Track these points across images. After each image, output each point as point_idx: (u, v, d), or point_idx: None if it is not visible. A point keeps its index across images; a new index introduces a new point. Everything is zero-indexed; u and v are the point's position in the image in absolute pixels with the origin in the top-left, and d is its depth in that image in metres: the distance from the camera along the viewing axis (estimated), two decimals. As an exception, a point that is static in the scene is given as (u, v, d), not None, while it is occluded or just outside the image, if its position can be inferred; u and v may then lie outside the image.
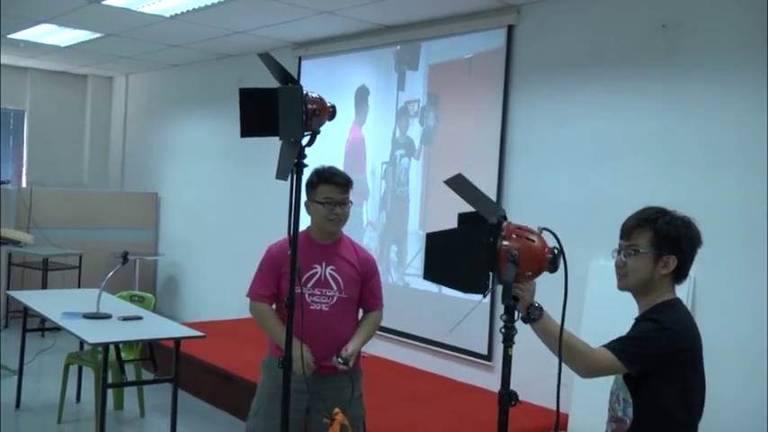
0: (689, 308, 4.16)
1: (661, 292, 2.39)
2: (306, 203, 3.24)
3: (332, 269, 3.22)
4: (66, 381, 5.13)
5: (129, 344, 4.90)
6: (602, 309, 4.26)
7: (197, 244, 8.63)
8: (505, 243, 1.98)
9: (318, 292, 3.20)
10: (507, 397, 2.09)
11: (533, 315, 2.20)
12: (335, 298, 3.21)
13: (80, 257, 7.95)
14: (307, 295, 3.18)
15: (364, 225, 6.39)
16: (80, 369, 5.57)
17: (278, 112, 2.85)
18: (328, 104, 2.96)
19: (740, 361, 4.01)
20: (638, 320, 2.38)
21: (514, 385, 5.26)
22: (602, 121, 4.72)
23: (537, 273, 2.07)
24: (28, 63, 9.34)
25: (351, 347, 3.16)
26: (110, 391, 4.46)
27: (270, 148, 7.96)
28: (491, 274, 1.99)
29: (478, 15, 5.42)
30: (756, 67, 3.99)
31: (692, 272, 4.15)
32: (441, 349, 5.56)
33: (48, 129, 9.93)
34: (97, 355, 5.06)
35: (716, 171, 4.19)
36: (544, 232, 2.09)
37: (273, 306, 3.33)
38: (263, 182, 7.58)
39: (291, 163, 2.87)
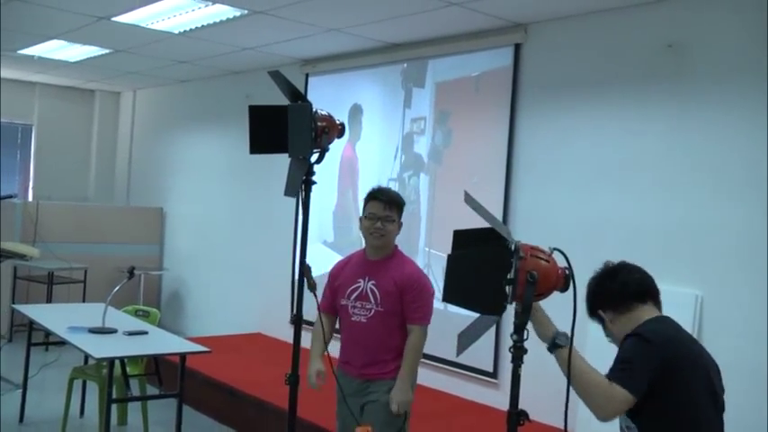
0: (696, 327, 4.19)
1: (639, 316, 2.42)
2: (360, 219, 3.52)
3: (372, 284, 3.43)
4: (70, 395, 5.11)
5: (134, 359, 4.89)
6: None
7: (202, 259, 8.63)
8: (523, 264, 1.99)
9: (359, 305, 3.45)
10: (516, 416, 2.07)
11: (560, 342, 2.19)
12: (373, 311, 3.41)
13: (85, 271, 7.96)
14: (349, 307, 3.47)
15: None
16: (84, 384, 5.56)
17: (287, 129, 2.88)
18: (337, 122, 2.98)
19: (749, 381, 3.99)
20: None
21: (521, 403, 5.24)
22: (608, 140, 4.73)
23: (548, 293, 2.08)
24: (36, 78, 9.40)
25: (396, 401, 3.33)
26: (114, 407, 4.45)
27: (277, 164, 7.99)
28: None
29: (486, 34, 5.44)
30: (760, 89, 4.00)
31: (699, 291, 4.21)
32: (446, 366, 5.54)
33: (55, 143, 9.97)
34: (102, 370, 5.05)
35: (720, 191, 4.19)
36: (554, 252, 2.10)
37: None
38: (269, 199, 7.61)
39: (300, 180, 2.90)
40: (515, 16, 5.09)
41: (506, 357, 5.30)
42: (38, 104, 9.88)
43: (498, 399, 5.27)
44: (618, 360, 2.29)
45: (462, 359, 5.33)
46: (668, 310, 4.29)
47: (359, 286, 3.45)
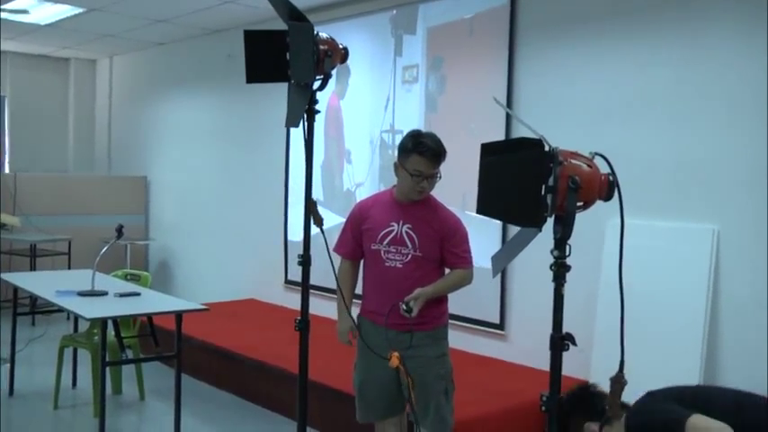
0: (713, 263, 4.04)
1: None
2: (395, 164, 3.22)
3: (408, 227, 3.21)
4: (61, 365, 4.91)
5: (127, 322, 4.68)
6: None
7: (190, 227, 8.39)
8: (564, 170, 1.79)
9: (394, 250, 3.22)
10: (560, 340, 1.88)
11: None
12: (410, 255, 3.21)
13: (69, 243, 7.71)
14: (382, 252, 3.23)
15: (352, 188, 6.26)
16: (75, 353, 5.35)
17: (286, 55, 2.65)
18: (340, 46, 2.76)
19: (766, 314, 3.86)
20: None
21: (528, 353, 5.11)
22: (614, 75, 4.54)
23: (591, 202, 1.89)
24: (6, 46, 9.01)
25: (416, 291, 3.12)
26: (107, 375, 4.24)
27: (263, 123, 7.78)
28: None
29: (479, -27, 5.21)
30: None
31: (715, 226, 4.05)
32: (452, 321, 5.36)
33: (29, 114, 9.62)
34: (93, 337, 4.85)
35: (733, 122, 4.03)
36: (596, 158, 1.91)
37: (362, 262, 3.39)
38: (257, 160, 7.38)
39: (303, 109, 2.67)
40: (511, -49, 4.86)
41: (513, 308, 5.17)
42: (9, 74, 9.50)
43: (506, 351, 5.12)
44: None
45: (468, 312, 5.18)
46: (684, 247, 4.18)
47: (392, 230, 3.23)
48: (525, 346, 5.00)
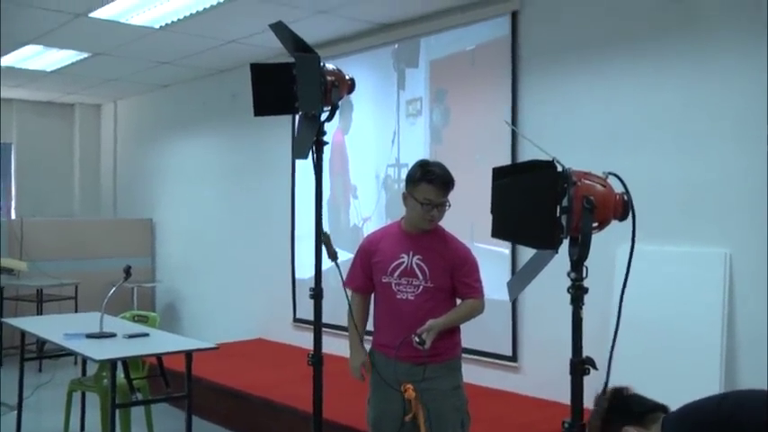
0: (726, 287, 3.99)
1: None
2: (404, 194, 3.20)
3: (418, 258, 3.18)
4: (69, 409, 4.84)
5: (136, 364, 4.62)
6: (630, 290, 4.08)
7: (196, 268, 8.36)
8: (578, 190, 1.77)
9: (405, 282, 3.19)
10: (581, 364, 1.84)
11: None
12: (421, 287, 3.17)
13: (76, 287, 7.67)
14: (393, 284, 3.20)
15: (359, 224, 6.23)
16: (83, 397, 5.27)
17: (293, 87, 2.65)
18: (347, 77, 2.76)
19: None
20: None
21: (542, 385, 5.03)
22: (618, 100, 4.54)
23: (606, 222, 1.86)
24: (13, 94, 9.11)
25: (429, 323, 3.08)
26: (116, 419, 4.17)
27: (268, 162, 7.80)
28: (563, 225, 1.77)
29: (479, 5, 5.25)
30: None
31: (727, 249, 4.01)
32: (464, 354, 5.30)
33: (36, 160, 9.68)
34: (102, 380, 4.79)
35: (742, 143, 4.00)
36: (609, 177, 1.89)
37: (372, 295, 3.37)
38: (262, 198, 7.38)
39: (311, 140, 2.66)
40: (511, -17, 4.91)
41: (526, 340, 5.11)
42: (16, 121, 9.59)
43: (520, 383, 5.04)
44: None
45: (480, 345, 5.11)
46: (697, 271, 4.12)
47: (403, 261, 3.19)
48: (539, 377, 4.93)
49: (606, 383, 1.81)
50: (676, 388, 3.93)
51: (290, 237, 6.96)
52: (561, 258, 1.91)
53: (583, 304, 1.86)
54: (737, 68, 4.01)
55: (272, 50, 6.63)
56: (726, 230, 4.06)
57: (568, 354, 5.24)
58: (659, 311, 4.09)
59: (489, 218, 5.49)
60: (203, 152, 8.27)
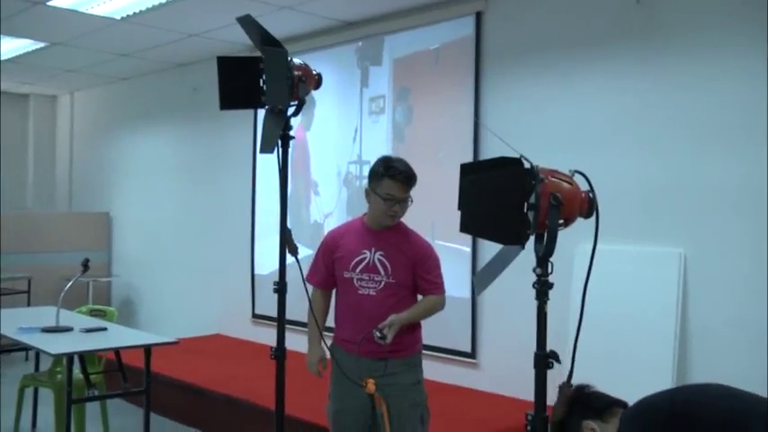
0: (681, 286, 4.10)
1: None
2: (367, 191, 3.22)
3: (381, 254, 3.20)
4: (20, 406, 4.74)
5: (92, 358, 4.55)
6: (589, 289, 4.16)
7: (153, 263, 8.25)
8: (545, 187, 1.81)
9: (366, 277, 3.20)
10: (544, 358, 1.88)
11: None
12: (383, 283, 3.19)
13: (29, 281, 7.52)
14: (355, 279, 3.21)
15: (320, 220, 6.24)
16: (35, 393, 5.16)
17: (260, 81, 2.66)
18: (314, 72, 2.76)
19: (736, 336, 3.91)
20: None
21: (500, 381, 5.09)
22: (580, 103, 4.62)
23: (572, 219, 1.90)
24: (-36, 82, 8.89)
25: (390, 318, 3.09)
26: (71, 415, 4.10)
27: (229, 158, 7.72)
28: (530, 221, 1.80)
29: (444, 4, 5.30)
30: (735, 38, 3.95)
31: (682, 249, 4.11)
32: (423, 351, 5.34)
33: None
34: (56, 375, 4.71)
35: (700, 145, 4.11)
36: (575, 175, 1.93)
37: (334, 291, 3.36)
38: (223, 194, 7.33)
39: (277, 134, 2.65)
40: (475, -17, 4.95)
41: (484, 336, 5.16)
42: (-33, 111, 9.35)
43: (478, 379, 5.10)
44: None
45: (440, 341, 5.16)
46: (652, 270, 4.23)
47: (365, 257, 3.20)
48: (497, 373, 4.99)
49: (571, 372, 1.85)
50: (631, 382, 4.03)
51: (250, 232, 6.92)
52: (520, 256, 1.94)
53: (548, 299, 1.90)
54: (693, 73, 4.12)
55: (235, 45, 6.59)
56: (680, 231, 4.17)
57: (526, 350, 5.31)
58: (616, 309, 4.18)
59: (450, 215, 5.49)
60: (163, 146, 8.17)
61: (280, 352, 2.76)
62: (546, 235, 1.83)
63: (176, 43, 6.68)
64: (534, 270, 1.88)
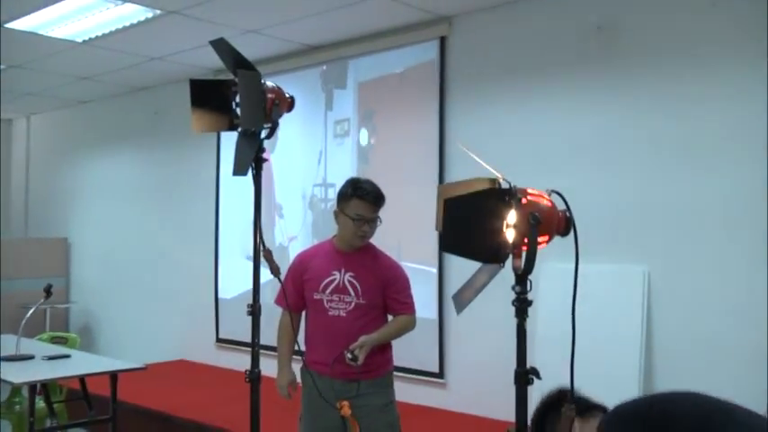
0: (645, 303, 4.18)
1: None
2: (335, 212, 3.24)
3: (350, 276, 3.22)
4: (-22, 439, 4.60)
5: (54, 387, 4.44)
6: (553, 306, 4.21)
7: (113, 289, 8.10)
8: (524, 206, 1.84)
9: (337, 298, 3.22)
10: (525, 374, 1.90)
11: None
12: (353, 304, 3.20)
13: (-17, 310, 7.31)
14: (325, 301, 3.22)
15: (285, 243, 6.20)
16: (-6, 425, 5.02)
17: (231, 104, 2.67)
18: (286, 95, 2.77)
19: (701, 352, 4.00)
20: None
21: (469, 401, 5.11)
22: (543, 125, 4.71)
23: (551, 237, 1.94)
24: None
25: (361, 339, 3.11)
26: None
27: (191, 181, 7.64)
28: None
29: (408, 29, 5.36)
30: (695, 60, 4.08)
31: (645, 267, 4.20)
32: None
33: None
34: (14, 406, 4.59)
35: (661, 164, 4.22)
36: (551, 195, 1.97)
37: (303, 313, 3.36)
38: (185, 218, 7.26)
39: (251, 157, 2.65)
40: (439, 8, 5.03)
41: (452, 356, 5.18)
42: None
43: (447, 399, 5.11)
44: None
45: (408, 362, 5.15)
46: (617, 288, 4.30)
47: (334, 279, 3.22)
48: (466, 393, 5.01)
49: (572, 386, 1.88)
50: (598, 395, 4.10)
51: (213, 256, 6.85)
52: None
53: (527, 316, 1.92)
54: (653, 94, 4.24)
55: (197, 69, 6.59)
56: (643, 249, 4.26)
57: (494, 370, 5.40)
58: (582, 326, 4.21)
59: (417, 236, 5.54)
60: (122, 170, 8.06)
61: (254, 375, 2.73)
62: (525, 253, 1.86)
63: (137, 66, 6.63)
64: (513, 288, 1.91)
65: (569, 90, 4.59)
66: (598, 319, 4.28)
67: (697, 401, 2.07)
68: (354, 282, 3.21)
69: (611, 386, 4.23)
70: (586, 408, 2.16)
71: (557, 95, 4.65)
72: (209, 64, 6.43)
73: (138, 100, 7.74)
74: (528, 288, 1.92)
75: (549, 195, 1.97)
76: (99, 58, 6.34)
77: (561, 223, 1.94)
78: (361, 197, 3.15)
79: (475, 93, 5.06)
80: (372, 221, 3.19)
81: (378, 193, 3.20)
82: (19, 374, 3.75)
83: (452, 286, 5.03)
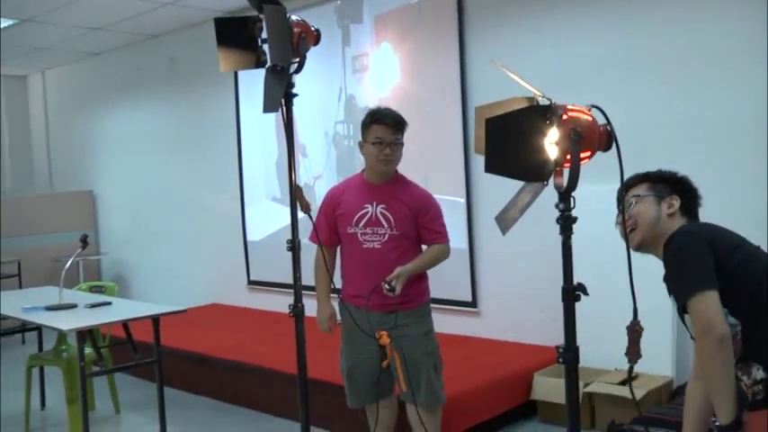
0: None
1: (673, 223, 2.25)
2: (359, 144, 3.29)
3: (383, 207, 3.24)
4: (29, 386, 4.72)
5: (98, 333, 4.54)
6: (584, 227, 4.22)
7: (142, 238, 8.21)
8: (565, 122, 1.83)
9: (370, 231, 3.24)
10: (572, 291, 1.92)
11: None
12: (387, 235, 3.23)
13: (18, 264, 7.47)
14: (359, 234, 3.26)
15: (310, 182, 6.21)
16: (42, 373, 5.16)
17: (257, 41, 2.65)
18: (312, 28, 2.75)
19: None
20: (666, 267, 2.18)
21: (502, 328, 5.17)
22: (566, 48, 4.64)
23: (593, 153, 1.93)
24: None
25: (397, 270, 3.15)
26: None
27: (211, 125, 7.62)
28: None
29: (423, -43, 5.25)
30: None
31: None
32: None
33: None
34: (62, 353, 4.70)
35: (688, 84, 4.16)
36: (592, 109, 1.96)
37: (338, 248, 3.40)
38: (208, 163, 7.28)
39: (281, 93, 2.65)
40: (454, -67, 4.91)
41: (484, 286, 5.22)
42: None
43: (480, 328, 5.19)
44: (678, 277, 2.11)
45: (440, 293, 5.14)
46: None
47: (367, 211, 3.25)
48: (498, 321, 5.08)
49: (635, 309, 1.91)
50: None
51: (239, 199, 6.90)
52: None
53: (572, 233, 1.93)
54: (679, 15, 4.16)
55: (208, 12, 6.50)
56: (671, 167, 4.22)
57: (525, 297, 5.43)
58: (606, 243, 4.24)
59: (442, 168, 5.51)
60: (142, 120, 8.06)
61: (298, 310, 2.77)
62: (569, 170, 1.86)
63: (148, 14, 6.56)
64: (557, 205, 1.91)
65: (594, 9, 4.50)
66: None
67: None
68: (387, 213, 3.24)
69: (641, 300, 4.27)
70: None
71: (581, 16, 4.57)
72: (220, 5, 6.35)
73: (151, 48, 7.68)
74: (572, 205, 1.92)
75: (590, 110, 1.95)
76: (109, 7, 6.30)
77: (603, 138, 1.93)
78: (378, 121, 3.19)
79: (494, 19, 4.98)
80: (394, 144, 3.20)
81: (396, 117, 3.22)
82: (66, 322, 3.85)
83: (481, 216, 5.05)
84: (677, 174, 2.37)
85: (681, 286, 2.09)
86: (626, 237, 2.10)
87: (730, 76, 3.99)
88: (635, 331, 1.92)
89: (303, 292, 2.72)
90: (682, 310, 2.12)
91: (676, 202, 2.27)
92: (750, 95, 3.92)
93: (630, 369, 1.90)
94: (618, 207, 2.25)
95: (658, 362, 4.00)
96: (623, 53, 4.38)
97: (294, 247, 2.80)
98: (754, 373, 2.04)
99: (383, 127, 3.17)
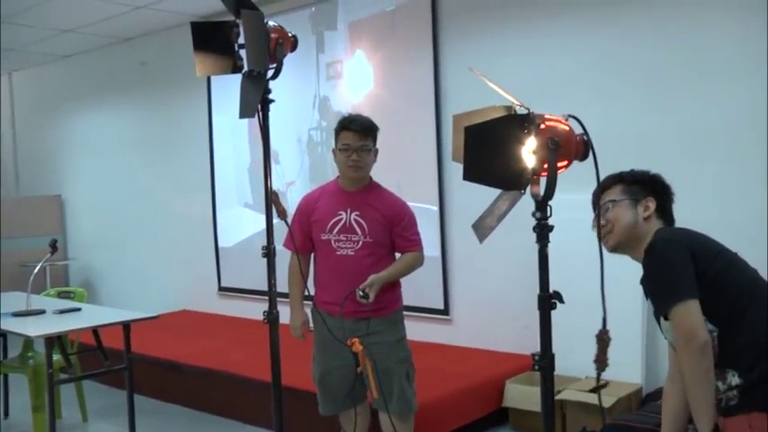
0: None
1: (650, 227, 2.29)
2: (333, 151, 3.31)
3: (357, 215, 3.25)
4: (-7, 395, 4.65)
5: (66, 340, 4.47)
6: (564, 237, 4.26)
7: (112, 243, 8.10)
8: (543, 131, 1.85)
9: (344, 238, 3.25)
10: (548, 299, 1.93)
11: None
12: (361, 242, 3.24)
13: (-20, 271, 7.32)
14: (333, 241, 3.26)
15: (283, 189, 6.18)
16: (6, 380, 5.05)
17: (233, 46, 2.64)
18: (289, 34, 2.74)
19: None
20: (646, 273, 2.21)
21: (474, 336, 5.19)
22: (540, 57, 4.68)
23: (570, 162, 1.95)
24: None
25: (371, 278, 3.15)
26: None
27: (183, 130, 7.56)
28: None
29: (399, -36, 5.27)
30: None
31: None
32: (395, 310, 5.41)
33: None
34: (28, 360, 4.62)
35: (658, 93, 4.22)
36: (569, 119, 1.98)
37: (312, 255, 3.40)
38: (180, 168, 7.22)
39: (257, 98, 2.64)
40: (429, -58, 4.94)
41: (456, 293, 5.24)
42: None
43: (452, 335, 5.20)
44: (657, 286, 2.14)
45: (412, 300, 5.17)
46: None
47: (341, 218, 3.26)
48: (470, 329, 5.10)
49: (604, 318, 1.91)
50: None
51: (211, 205, 6.85)
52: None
53: (548, 242, 1.94)
54: (651, 25, 4.22)
55: (181, 16, 6.46)
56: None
57: (497, 305, 5.44)
58: (580, 250, 4.28)
59: (415, 175, 5.49)
60: (112, 124, 7.97)
61: (272, 316, 2.75)
62: (546, 179, 1.88)
63: (121, 17, 6.49)
64: (534, 214, 1.93)
65: (568, 19, 4.55)
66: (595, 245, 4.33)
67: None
68: (361, 220, 3.25)
69: (612, 308, 4.32)
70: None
71: (555, 26, 4.61)
72: (194, 10, 6.30)
73: (123, 52, 7.60)
74: (548, 213, 1.94)
75: (567, 120, 1.97)
76: (81, 9, 6.21)
77: (579, 147, 1.96)
78: (346, 128, 3.23)
79: (469, 27, 5.01)
80: (361, 150, 3.21)
81: (364, 123, 3.25)
82: (34, 328, 3.78)
83: (454, 223, 5.07)
84: (650, 172, 2.40)
85: (663, 295, 2.11)
86: (600, 241, 2.11)
87: (702, 85, 4.06)
88: (603, 340, 1.94)
89: (277, 299, 2.71)
90: (660, 315, 2.15)
91: (652, 205, 2.29)
92: (723, 103, 3.99)
93: (598, 377, 1.91)
94: (594, 210, 2.27)
95: (628, 369, 4.05)
96: (596, 63, 4.44)
97: (269, 253, 2.79)
98: (729, 379, 2.07)
99: (351, 133, 3.20)
